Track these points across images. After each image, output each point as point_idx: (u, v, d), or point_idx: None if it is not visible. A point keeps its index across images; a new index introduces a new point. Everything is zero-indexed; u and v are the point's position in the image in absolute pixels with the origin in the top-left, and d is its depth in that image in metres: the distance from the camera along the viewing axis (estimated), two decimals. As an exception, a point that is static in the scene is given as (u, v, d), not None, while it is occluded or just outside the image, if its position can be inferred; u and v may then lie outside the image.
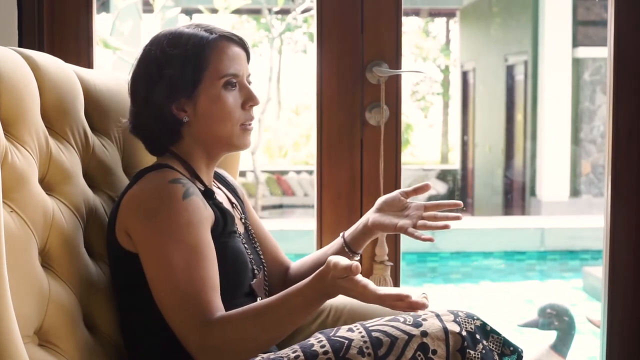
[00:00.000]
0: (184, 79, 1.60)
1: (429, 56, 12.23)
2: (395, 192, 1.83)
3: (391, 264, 2.32)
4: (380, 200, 1.85)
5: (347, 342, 1.45)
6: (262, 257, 1.77)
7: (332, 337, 1.45)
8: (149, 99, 1.62)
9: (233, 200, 1.79)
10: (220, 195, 1.74)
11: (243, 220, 1.77)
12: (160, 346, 1.58)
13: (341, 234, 1.88)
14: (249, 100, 1.65)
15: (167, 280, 1.49)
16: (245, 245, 1.69)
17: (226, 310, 1.52)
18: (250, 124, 1.67)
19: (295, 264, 1.91)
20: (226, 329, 1.47)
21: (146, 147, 1.71)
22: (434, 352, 1.45)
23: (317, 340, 1.46)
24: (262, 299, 1.66)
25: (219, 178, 1.83)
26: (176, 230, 1.51)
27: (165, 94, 1.60)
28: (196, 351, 1.48)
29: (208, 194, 1.63)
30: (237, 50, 1.65)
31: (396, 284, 2.34)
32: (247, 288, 1.66)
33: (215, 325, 1.47)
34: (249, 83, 1.68)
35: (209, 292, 1.49)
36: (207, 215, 1.57)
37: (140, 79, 1.64)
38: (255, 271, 1.69)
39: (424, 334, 1.46)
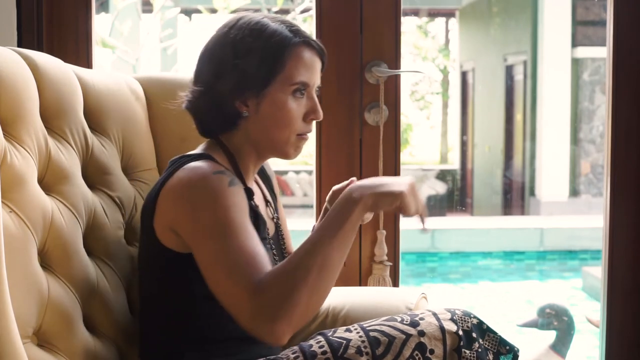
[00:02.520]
0: (257, 76, 1.53)
1: (428, 56, 12.23)
2: (345, 182, 1.74)
3: (390, 264, 2.32)
4: (332, 190, 1.77)
5: (345, 342, 1.45)
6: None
7: (331, 338, 1.46)
8: (214, 85, 1.55)
9: (268, 197, 1.74)
10: (258, 195, 1.69)
11: (274, 220, 1.72)
12: (175, 346, 1.55)
13: (312, 227, 1.83)
14: (312, 112, 1.59)
15: (219, 255, 1.39)
16: (274, 251, 1.64)
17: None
18: (306, 136, 1.61)
19: None
20: (275, 279, 1.35)
21: (197, 126, 1.63)
22: (432, 351, 1.46)
23: (316, 341, 1.47)
24: None
25: (260, 169, 1.76)
26: (225, 210, 1.42)
27: (233, 85, 1.54)
28: (252, 320, 1.34)
29: (248, 194, 1.56)
30: (314, 58, 1.59)
31: (395, 284, 2.35)
32: None
33: (265, 282, 1.35)
34: (317, 92, 1.62)
35: (261, 261, 1.39)
36: (247, 208, 1.49)
37: (211, 61, 1.57)
38: None
39: (422, 333, 1.47)
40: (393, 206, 1.42)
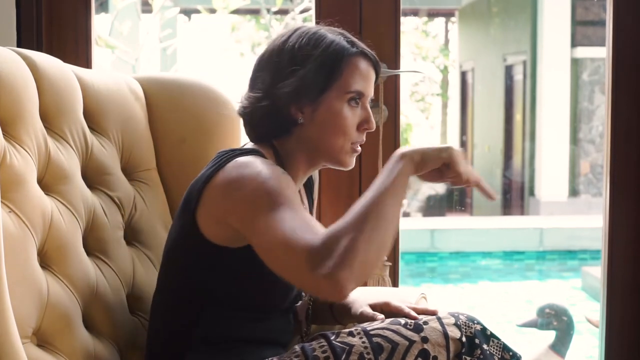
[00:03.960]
0: (314, 83, 1.55)
1: (428, 56, 12.23)
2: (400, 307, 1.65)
3: (390, 264, 2.32)
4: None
5: (347, 347, 1.45)
6: None
7: (334, 342, 1.45)
8: (271, 91, 1.56)
9: (305, 203, 1.73)
10: None
11: None
12: (182, 350, 1.54)
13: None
14: (365, 122, 1.60)
15: (274, 224, 1.38)
16: None
17: (257, 325, 1.47)
18: (359, 147, 1.62)
19: None
20: (332, 233, 1.34)
21: (249, 132, 1.63)
22: (435, 358, 1.46)
23: (319, 345, 1.47)
24: (302, 323, 1.64)
25: None
26: (280, 189, 1.42)
27: (290, 91, 1.55)
28: (313, 277, 1.32)
29: None
30: (370, 69, 1.61)
31: (395, 284, 2.34)
32: (288, 306, 1.61)
33: (322, 238, 1.34)
34: (371, 104, 1.63)
35: (315, 225, 1.39)
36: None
37: (268, 68, 1.58)
38: (303, 293, 1.65)
39: (425, 340, 1.46)
40: (441, 162, 1.44)
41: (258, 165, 1.47)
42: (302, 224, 1.38)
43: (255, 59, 1.63)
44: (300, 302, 1.66)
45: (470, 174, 1.47)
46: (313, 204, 1.79)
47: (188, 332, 1.55)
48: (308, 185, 1.78)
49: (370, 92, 1.62)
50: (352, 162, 1.62)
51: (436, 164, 1.45)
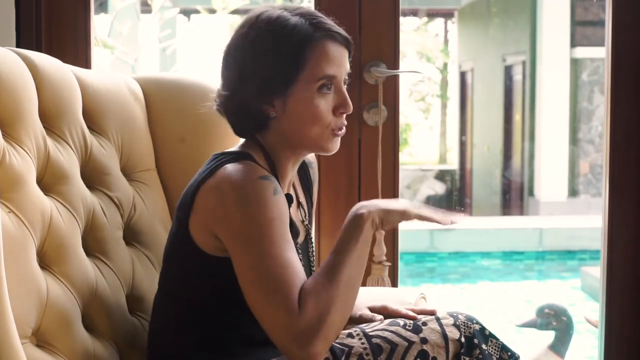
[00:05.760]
0: (279, 77, 1.50)
1: (427, 56, 12.23)
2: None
3: (389, 264, 2.32)
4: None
5: (347, 349, 1.45)
6: (313, 269, 1.69)
7: (332, 343, 1.45)
8: (239, 89, 1.53)
9: (301, 200, 1.71)
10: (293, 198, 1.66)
11: (305, 224, 1.69)
12: (182, 352, 1.55)
13: None
14: (341, 106, 1.54)
15: (261, 272, 1.40)
16: (301, 258, 1.59)
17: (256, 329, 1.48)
18: (340, 131, 1.56)
19: None
20: (310, 302, 1.37)
21: (232, 127, 1.61)
22: (434, 358, 1.45)
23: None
24: None
25: (302, 168, 1.73)
26: (269, 223, 1.42)
27: (257, 88, 1.51)
28: (290, 344, 1.37)
29: (288, 200, 1.54)
30: (339, 49, 1.54)
31: (394, 284, 2.35)
32: None
33: (301, 306, 1.38)
34: (346, 82, 1.57)
35: (298, 278, 1.40)
36: (288, 217, 1.49)
37: (233, 65, 1.54)
38: None
39: (424, 340, 1.46)
40: (402, 220, 1.48)
41: (254, 181, 1.45)
42: (287, 277, 1.40)
43: (222, 52, 1.58)
44: None
45: (427, 217, 1.52)
46: (312, 204, 1.78)
47: (188, 334, 1.55)
48: (306, 185, 1.76)
49: (343, 73, 1.55)
50: (334, 147, 1.58)
51: (395, 225, 1.52)
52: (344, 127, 1.58)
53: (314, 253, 1.71)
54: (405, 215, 1.48)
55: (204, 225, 1.48)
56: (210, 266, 1.49)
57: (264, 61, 1.50)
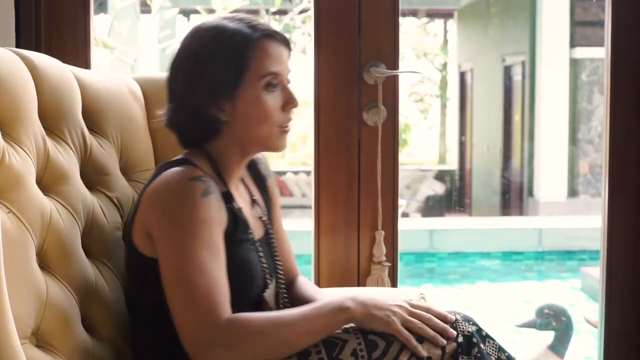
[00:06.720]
0: (225, 80, 1.55)
1: (427, 57, 12.24)
2: None
3: (389, 264, 2.32)
4: None
5: (341, 343, 1.44)
6: (278, 264, 1.72)
7: (327, 338, 1.45)
8: (187, 98, 1.58)
9: (256, 197, 1.74)
10: (243, 196, 1.69)
11: (263, 220, 1.72)
12: (166, 348, 1.55)
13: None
14: (289, 102, 1.60)
15: (180, 274, 1.45)
16: (260, 252, 1.63)
17: None
18: (287, 127, 1.62)
19: (299, 289, 1.81)
20: (242, 330, 1.42)
21: (179, 141, 1.65)
22: (429, 358, 1.45)
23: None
24: (273, 310, 1.64)
25: (250, 165, 1.76)
26: (194, 226, 1.47)
27: (205, 94, 1.56)
28: (197, 348, 1.43)
29: (226, 198, 1.58)
30: (279, 48, 1.60)
31: (394, 284, 2.35)
32: (255, 297, 1.61)
33: (231, 325, 1.43)
34: (289, 82, 1.63)
35: (220, 293, 1.45)
36: (221, 217, 1.53)
37: (180, 76, 1.59)
38: (268, 280, 1.64)
39: (420, 339, 1.46)
40: (381, 330, 1.46)
41: (183, 183, 1.50)
42: (209, 287, 1.44)
43: (168, 68, 1.63)
44: (267, 290, 1.64)
45: (409, 341, 1.46)
46: (270, 200, 1.80)
47: (162, 338, 1.56)
48: (260, 183, 1.79)
49: (286, 70, 1.62)
50: (283, 144, 1.63)
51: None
52: (290, 124, 1.63)
53: (275, 247, 1.73)
54: (388, 327, 1.45)
55: (142, 230, 1.54)
56: (154, 270, 1.52)
57: (210, 67, 1.56)
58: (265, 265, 1.64)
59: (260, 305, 1.62)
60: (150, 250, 1.53)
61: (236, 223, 1.58)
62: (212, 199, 1.51)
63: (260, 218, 1.71)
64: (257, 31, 1.58)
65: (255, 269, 1.61)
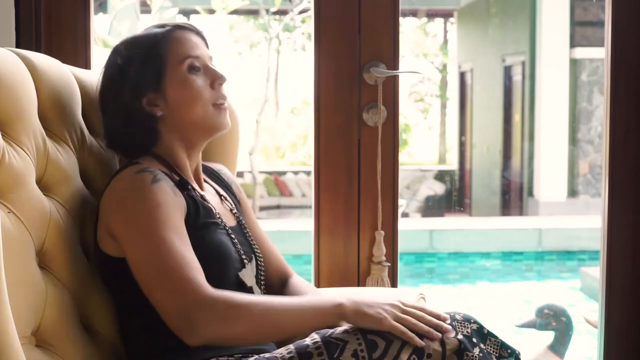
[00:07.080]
0: (148, 73, 1.61)
1: (427, 57, 12.24)
2: None
3: (389, 264, 2.32)
4: None
5: (342, 344, 1.44)
6: (255, 248, 1.74)
7: (327, 338, 1.45)
8: (118, 102, 1.63)
9: (223, 193, 1.78)
10: (209, 190, 1.74)
11: (234, 213, 1.75)
12: (156, 344, 1.56)
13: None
14: (215, 78, 1.65)
15: (148, 259, 1.47)
16: (233, 236, 1.66)
17: None
18: (223, 103, 1.66)
19: (293, 288, 1.81)
20: (231, 305, 1.44)
21: (125, 156, 1.70)
22: (429, 355, 1.45)
23: (312, 341, 1.46)
24: (253, 289, 1.66)
25: (211, 174, 1.82)
26: (151, 212, 1.50)
27: (133, 91, 1.62)
28: (181, 323, 1.43)
29: (182, 184, 1.62)
30: (192, 37, 1.66)
31: (394, 284, 2.35)
32: (233, 278, 1.63)
33: (218, 299, 1.44)
34: (212, 64, 1.69)
35: (192, 268, 1.46)
36: (177, 201, 1.56)
37: (106, 88, 1.66)
38: (245, 260, 1.66)
39: (420, 337, 1.46)
40: (374, 327, 1.46)
41: (131, 177, 1.55)
42: (179, 263, 1.46)
43: (97, 90, 1.69)
44: (244, 269, 1.65)
45: (404, 333, 1.46)
46: (239, 202, 1.83)
47: (154, 334, 1.56)
48: (225, 187, 1.82)
49: (205, 54, 1.67)
50: (224, 121, 1.67)
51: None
52: (226, 98, 1.67)
53: (249, 233, 1.76)
54: (380, 324, 1.46)
55: (105, 231, 1.56)
56: (126, 269, 1.53)
57: (129, 69, 1.62)
58: (239, 246, 1.67)
59: (241, 286, 1.64)
60: (117, 250, 1.55)
61: (197, 207, 1.61)
62: (162, 185, 1.54)
63: (230, 210, 1.75)
64: (167, 27, 1.66)
65: (229, 249, 1.63)
